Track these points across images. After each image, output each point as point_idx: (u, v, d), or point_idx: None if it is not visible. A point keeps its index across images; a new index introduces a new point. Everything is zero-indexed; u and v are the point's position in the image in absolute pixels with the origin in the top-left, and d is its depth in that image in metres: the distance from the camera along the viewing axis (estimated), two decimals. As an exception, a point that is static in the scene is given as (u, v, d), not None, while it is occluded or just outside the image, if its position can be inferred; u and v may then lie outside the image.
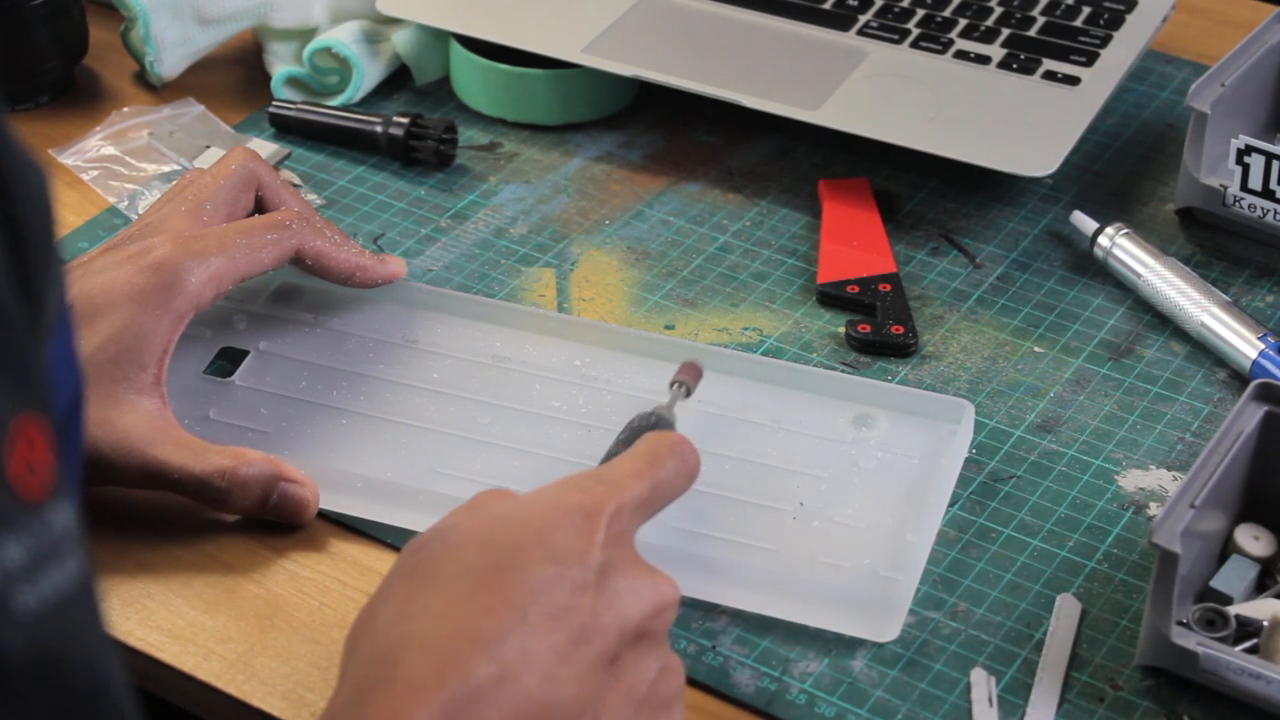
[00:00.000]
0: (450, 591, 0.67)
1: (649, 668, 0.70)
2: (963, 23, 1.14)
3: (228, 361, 0.93)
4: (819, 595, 0.81)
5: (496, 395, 0.91)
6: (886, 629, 0.80)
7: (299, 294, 0.96)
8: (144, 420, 0.83)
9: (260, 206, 0.94)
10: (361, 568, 0.84)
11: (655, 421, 0.82)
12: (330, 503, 0.86)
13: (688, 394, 0.86)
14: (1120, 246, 1.00)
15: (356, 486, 0.86)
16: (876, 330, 0.96)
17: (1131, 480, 0.90)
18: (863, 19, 1.14)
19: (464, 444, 0.89)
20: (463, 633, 0.65)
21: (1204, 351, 0.97)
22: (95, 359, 0.83)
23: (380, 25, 1.15)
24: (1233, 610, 0.79)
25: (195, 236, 0.87)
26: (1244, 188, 1.01)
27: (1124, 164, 1.11)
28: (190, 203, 0.90)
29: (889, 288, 0.99)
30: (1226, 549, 0.83)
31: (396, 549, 0.85)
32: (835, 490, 0.86)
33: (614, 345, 0.93)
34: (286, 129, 1.11)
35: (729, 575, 0.82)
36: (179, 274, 0.85)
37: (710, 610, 0.82)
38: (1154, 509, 0.88)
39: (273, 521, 0.85)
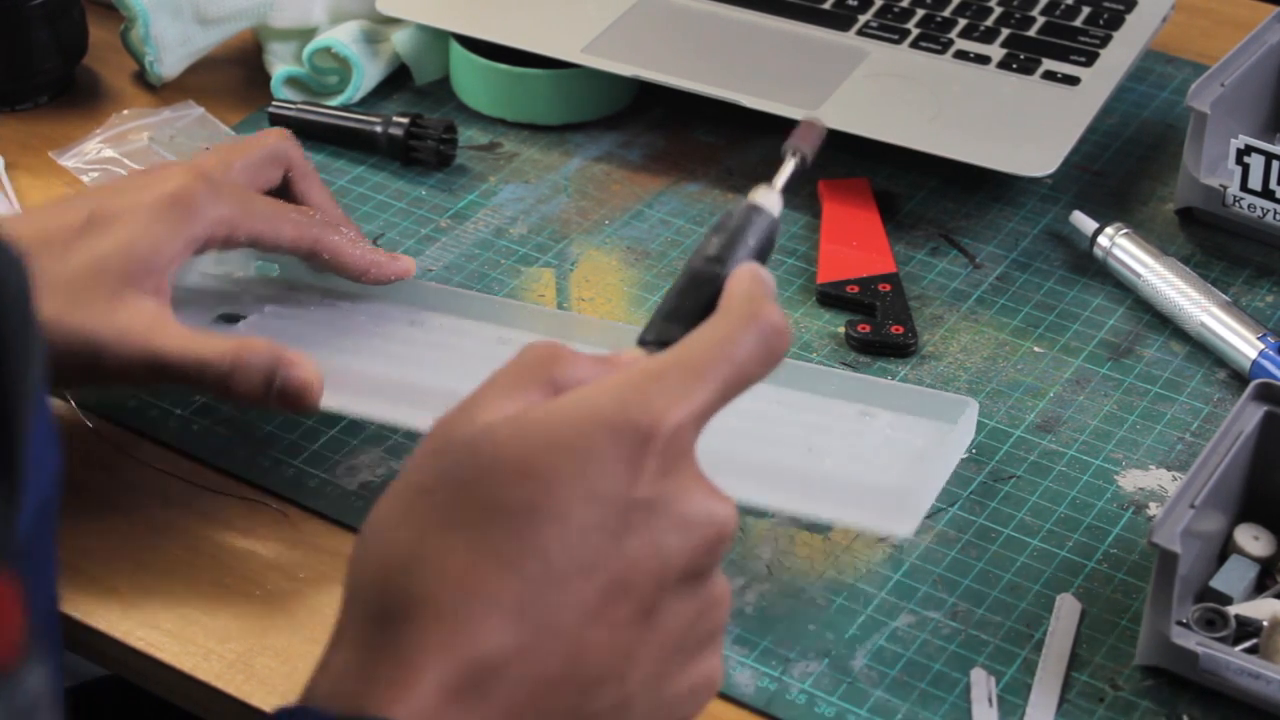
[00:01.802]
0: (471, 535, 0.60)
1: (690, 610, 0.62)
2: (963, 23, 1.14)
3: (228, 323, 0.92)
4: (835, 490, 0.79)
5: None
6: (904, 521, 0.78)
7: (304, 288, 0.96)
8: (147, 314, 0.83)
9: (287, 187, 0.93)
10: (361, 568, 0.84)
11: (747, 222, 0.69)
12: (333, 401, 0.84)
13: (804, 164, 0.73)
14: (1120, 246, 1.00)
15: (362, 385, 0.86)
16: (876, 330, 0.96)
17: (1131, 480, 0.90)
18: (863, 19, 1.14)
19: (475, 361, 0.88)
20: (480, 594, 0.59)
21: (1204, 351, 0.97)
22: (106, 260, 0.83)
23: (380, 25, 1.15)
24: (1233, 610, 0.79)
25: (220, 182, 0.88)
26: (1244, 188, 1.01)
27: (1124, 164, 1.11)
28: (219, 155, 0.90)
29: (889, 288, 0.99)
30: (1226, 549, 0.83)
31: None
32: (844, 444, 0.85)
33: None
34: (286, 129, 1.11)
35: (742, 471, 0.78)
36: (198, 202, 0.85)
37: (710, 610, 0.82)
38: (1154, 509, 0.88)
39: (272, 520, 0.85)
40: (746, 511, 0.86)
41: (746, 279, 0.66)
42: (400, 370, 0.88)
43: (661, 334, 0.67)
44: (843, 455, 0.84)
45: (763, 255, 0.69)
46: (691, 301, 0.67)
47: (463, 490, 0.61)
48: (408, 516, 0.61)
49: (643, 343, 0.67)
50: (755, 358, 0.64)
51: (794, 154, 0.72)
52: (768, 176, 0.96)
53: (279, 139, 0.92)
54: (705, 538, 0.62)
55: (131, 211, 0.85)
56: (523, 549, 0.59)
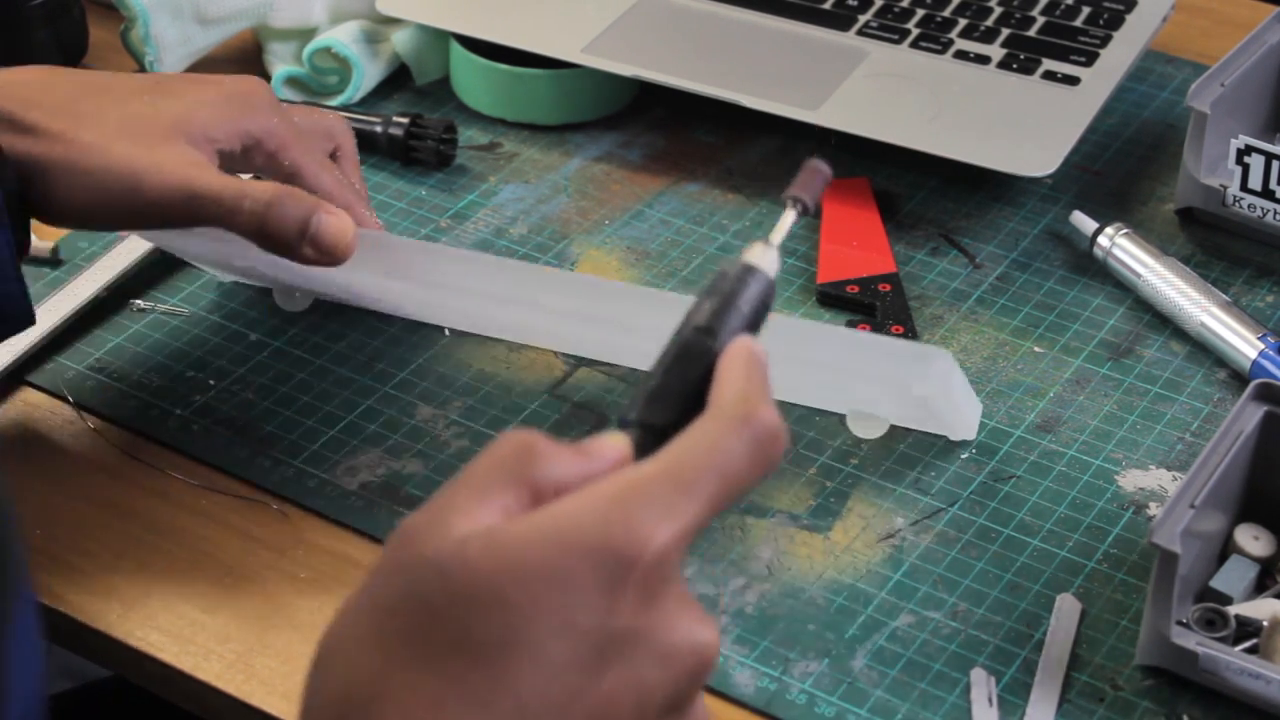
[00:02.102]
0: (442, 670, 0.55)
1: None
2: (963, 23, 1.14)
3: None
4: (886, 388, 0.83)
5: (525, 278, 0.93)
6: (966, 425, 0.83)
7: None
8: (190, 157, 0.84)
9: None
10: (362, 568, 0.84)
11: (739, 287, 0.63)
12: (354, 278, 0.87)
13: (804, 213, 0.67)
14: (1120, 246, 1.00)
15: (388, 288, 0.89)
16: (876, 330, 0.96)
17: (1131, 480, 0.90)
18: (863, 19, 1.14)
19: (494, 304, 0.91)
20: None
21: (1204, 351, 0.97)
22: (159, 115, 0.85)
23: (380, 25, 1.15)
24: (1233, 610, 0.79)
25: (287, 109, 0.90)
26: (1244, 188, 1.01)
27: (1124, 164, 1.11)
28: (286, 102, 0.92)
29: (889, 288, 0.99)
30: (1226, 549, 0.83)
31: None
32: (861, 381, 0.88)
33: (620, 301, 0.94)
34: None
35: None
36: (262, 106, 0.87)
37: (710, 610, 0.82)
38: (1154, 509, 0.88)
39: (272, 520, 0.85)
40: (747, 511, 0.87)
41: (740, 364, 0.61)
42: (423, 261, 0.91)
43: (646, 415, 0.61)
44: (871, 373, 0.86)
45: (758, 321, 0.64)
46: (679, 379, 0.61)
47: (431, 618, 0.55)
48: (372, 640, 0.56)
49: (624, 424, 0.61)
50: (747, 467, 0.58)
51: (794, 204, 0.66)
52: (768, 176, 0.95)
53: (337, 120, 0.94)
54: (687, 668, 0.57)
55: (199, 88, 0.87)
56: (494, 686, 0.55)
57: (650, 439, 0.60)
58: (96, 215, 0.84)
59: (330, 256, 0.84)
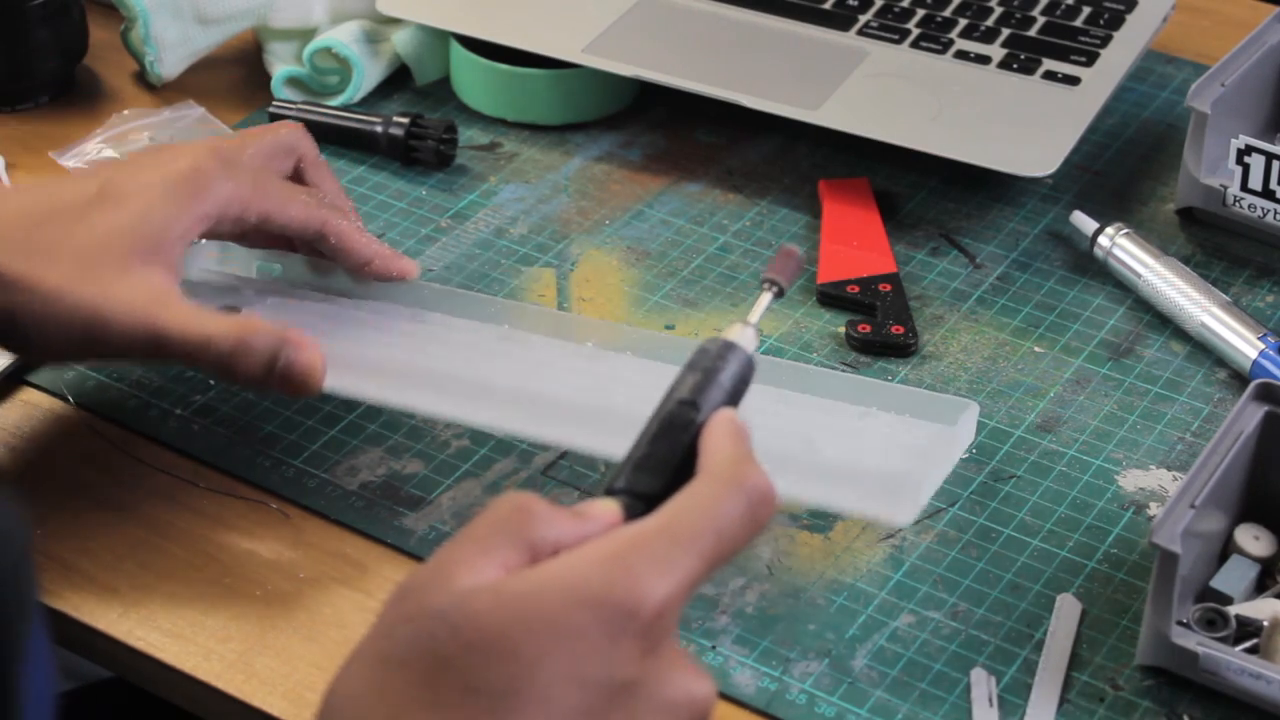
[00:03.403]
0: (451, 717, 0.57)
1: None
2: (963, 23, 1.14)
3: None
4: (834, 477, 0.78)
5: (508, 360, 0.90)
6: (904, 510, 0.77)
7: (305, 285, 0.96)
8: (152, 288, 0.82)
9: (298, 178, 0.93)
10: (362, 568, 0.84)
11: (719, 365, 0.68)
12: (339, 383, 0.84)
13: (780, 294, 0.73)
14: (1120, 246, 1.00)
15: (366, 369, 0.86)
16: (876, 330, 0.96)
17: (1131, 480, 0.90)
18: (863, 19, 1.14)
19: (479, 354, 0.88)
20: None
21: (1204, 351, 0.97)
22: (114, 234, 0.83)
23: (380, 25, 1.15)
24: (1233, 610, 0.79)
25: (233, 159, 0.87)
26: (1244, 188, 1.01)
27: (1124, 164, 1.11)
28: (233, 140, 0.90)
29: (889, 288, 0.99)
30: (1226, 549, 0.83)
31: (397, 549, 0.85)
32: (843, 440, 0.84)
33: (614, 344, 0.93)
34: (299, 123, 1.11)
35: None
36: (209, 178, 0.85)
37: (710, 610, 0.82)
38: (1154, 509, 0.88)
39: (272, 520, 0.85)
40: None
41: (725, 433, 0.64)
42: (403, 355, 0.87)
43: (633, 484, 0.64)
44: (842, 448, 0.84)
45: (737, 395, 0.67)
46: (665, 449, 0.65)
47: (440, 668, 0.58)
48: (380, 692, 0.58)
49: (612, 492, 0.64)
50: (741, 525, 0.61)
51: (770, 286, 0.71)
52: (768, 176, 0.95)
53: (291, 129, 0.93)
54: (685, 718, 0.60)
55: (144, 187, 0.84)
56: None
57: (638, 506, 0.63)
58: (69, 356, 0.85)
59: (301, 390, 0.82)
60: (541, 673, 0.57)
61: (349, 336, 0.90)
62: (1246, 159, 1.00)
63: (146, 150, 0.88)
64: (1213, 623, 0.79)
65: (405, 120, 1.08)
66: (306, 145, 0.93)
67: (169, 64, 1.13)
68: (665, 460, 0.64)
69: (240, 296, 0.93)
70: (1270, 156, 0.99)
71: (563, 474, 0.89)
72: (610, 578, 0.58)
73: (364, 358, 0.86)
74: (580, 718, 0.57)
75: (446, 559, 0.60)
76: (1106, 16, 1.15)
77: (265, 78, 1.14)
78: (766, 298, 0.71)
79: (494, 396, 0.85)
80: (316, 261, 0.93)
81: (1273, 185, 1.00)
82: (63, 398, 0.92)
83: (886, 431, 0.87)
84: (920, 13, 1.15)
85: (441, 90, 1.15)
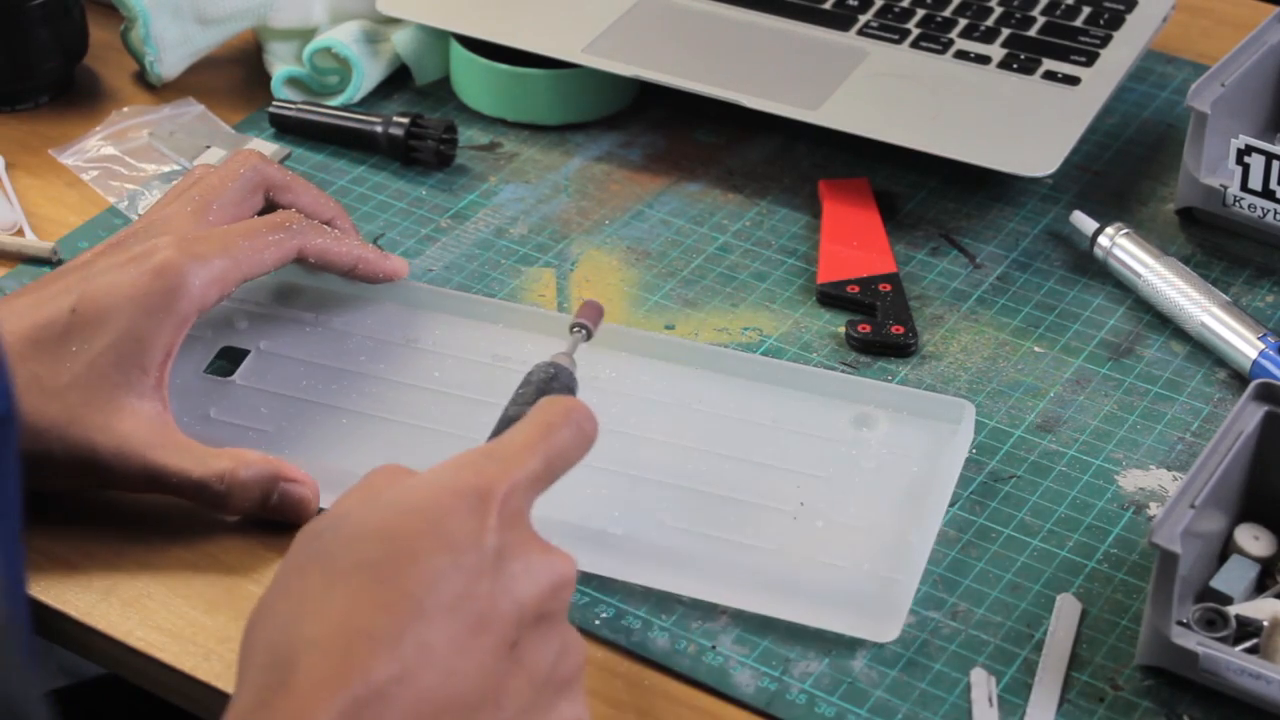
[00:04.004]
0: (346, 588, 0.66)
1: (549, 649, 0.69)
2: (963, 23, 1.14)
3: (228, 361, 0.93)
4: (820, 595, 0.81)
5: (497, 394, 0.91)
6: (887, 630, 0.80)
7: (299, 293, 0.96)
8: (144, 425, 0.83)
9: (271, 208, 0.93)
10: (361, 568, 0.84)
11: (554, 374, 0.81)
12: (330, 501, 0.85)
13: (588, 337, 0.86)
14: (1120, 246, 1.00)
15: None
16: (876, 330, 0.96)
17: (1131, 480, 0.90)
18: (863, 19, 1.14)
19: (464, 443, 0.89)
20: (360, 632, 0.65)
21: (1204, 351, 0.97)
22: (97, 364, 0.83)
23: (380, 25, 1.15)
24: (1233, 610, 0.79)
25: (199, 238, 0.87)
26: (1244, 188, 1.01)
27: (1124, 164, 1.11)
28: (196, 203, 0.90)
29: (889, 288, 0.99)
30: (1226, 549, 0.83)
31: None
32: (836, 490, 0.86)
33: (614, 345, 0.93)
34: (286, 129, 1.11)
35: (730, 575, 0.82)
36: (183, 277, 0.85)
37: (710, 610, 0.82)
38: (1154, 509, 0.88)
39: (274, 521, 0.85)
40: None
41: (560, 397, 0.75)
42: (392, 448, 0.88)
43: (498, 433, 0.76)
44: (834, 505, 0.85)
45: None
46: (519, 414, 0.78)
47: (331, 559, 0.67)
48: (286, 592, 0.68)
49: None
50: (571, 436, 0.73)
51: (578, 330, 0.86)
52: (768, 176, 0.96)
53: (252, 164, 0.92)
54: (551, 583, 0.69)
55: (117, 305, 0.84)
56: (392, 593, 0.66)
57: None
58: (67, 489, 0.85)
59: (296, 521, 0.84)
60: (418, 543, 0.67)
61: (339, 431, 0.89)
62: (1246, 159, 1.00)
63: (112, 245, 0.87)
64: (1213, 623, 0.79)
65: (405, 120, 1.08)
66: (270, 172, 0.93)
67: (169, 64, 1.13)
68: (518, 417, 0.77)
69: (236, 332, 0.94)
70: (1270, 156, 0.99)
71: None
72: (461, 472, 0.70)
73: (353, 474, 0.87)
74: (456, 575, 0.66)
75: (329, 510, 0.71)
76: (1106, 16, 1.15)
77: (265, 78, 1.14)
78: (579, 338, 0.86)
79: None
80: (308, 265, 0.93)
81: (1273, 185, 1.00)
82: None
83: (881, 455, 0.87)
84: (920, 13, 1.15)
85: (441, 90, 1.15)
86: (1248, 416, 0.83)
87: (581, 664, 0.71)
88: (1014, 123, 1.06)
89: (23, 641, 0.52)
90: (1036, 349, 0.97)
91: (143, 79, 1.15)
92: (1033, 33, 1.13)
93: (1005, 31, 1.13)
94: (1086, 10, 1.15)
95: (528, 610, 0.68)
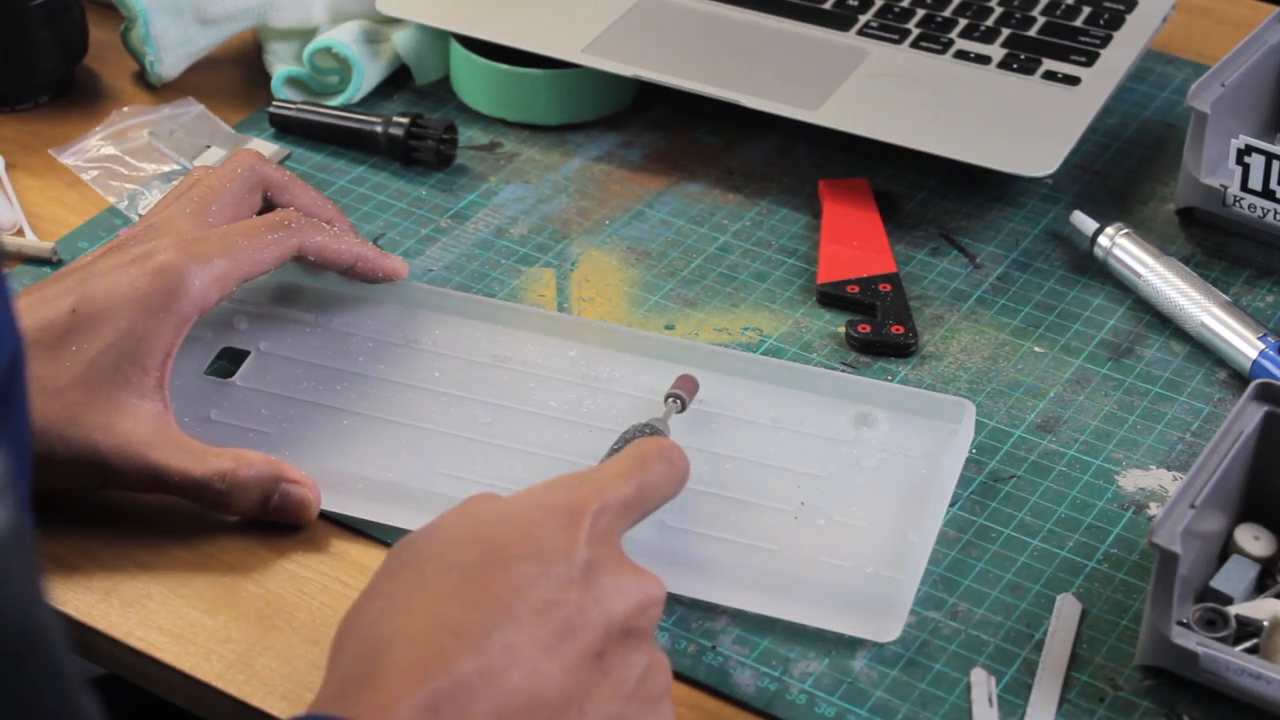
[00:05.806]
0: (435, 587, 0.68)
1: (636, 664, 0.70)
2: (963, 23, 1.14)
3: (228, 362, 0.93)
4: (820, 595, 0.81)
5: (497, 395, 0.91)
6: (888, 629, 0.80)
7: (299, 293, 0.96)
8: (145, 424, 0.83)
9: (270, 208, 0.93)
10: (361, 568, 0.84)
11: (649, 434, 0.84)
12: (331, 503, 0.86)
13: (682, 408, 0.88)
14: (1120, 246, 1.00)
15: (357, 487, 0.86)
16: (876, 330, 0.96)
17: (1131, 480, 0.90)
18: (863, 19, 1.14)
19: (464, 444, 0.89)
20: (448, 627, 0.66)
21: (1204, 351, 0.97)
22: (98, 363, 0.83)
23: (380, 25, 1.15)
24: (1233, 610, 0.79)
25: (198, 239, 0.87)
26: (1244, 188, 1.01)
27: (1124, 164, 1.11)
28: (195, 204, 0.90)
29: (889, 288, 0.99)
30: (1226, 549, 0.83)
31: (396, 549, 0.85)
32: (836, 489, 0.86)
33: (614, 345, 0.93)
34: (286, 129, 1.11)
35: (730, 575, 0.82)
36: (182, 278, 0.85)
37: (710, 610, 0.82)
38: (1154, 509, 0.88)
39: (274, 522, 0.85)
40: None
41: (653, 438, 0.79)
42: (390, 469, 0.88)
43: None
44: (834, 504, 0.85)
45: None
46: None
47: (423, 563, 0.69)
48: (377, 594, 0.70)
49: None
50: (664, 470, 0.75)
51: (673, 400, 0.88)
52: (768, 176, 0.95)
53: (250, 164, 0.92)
54: (639, 600, 0.70)
55: (116, 305, 0.84)
56: (480, 593, 0.68)
57: None
58: (72, 490, 0.85)
59: (296, 522, 0.85)
60: (509, 549, 0.69)
61: (339, 430, 0.89)
62: (1246, 159, 1.00)
63: (113, 246, 0.88)
64: (1213, 623, 0.79)
65: (405, 120, 1.08)
66: (268, 171, 0.93)
67: (169, 64, 1.13)
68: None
69: (236, 333, 0.93)
70: (1270, 156, 0.99)
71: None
72: (555, 491, 0.72)
73: (354, 474, 0.87)
74: (545, 582, 0.68)
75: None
76: (1106, 16, 1.15)
77: (265, 78, 1.14)
78: (674, 407, 0.88)
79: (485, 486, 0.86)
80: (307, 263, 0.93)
81: (1273, 185, 1.00)
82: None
83: (881, 455, 0.87)
84: (920, 13, 1.15)
85: (441, 90, 1.15)
86: (1248, 416, 0.83)
87: (668, 683, 0.72)
88: (1014, 123, 1.06)
89: (30, 548, 0.52)
90: (1036, 349, 0.97)
91: (143, 79, 1.15)
92: (1033, 33, 1.13)
93: (1005, 31, 1.13)
94: (1086, 10, 1.15)
95: (615, 624, 0.69)
